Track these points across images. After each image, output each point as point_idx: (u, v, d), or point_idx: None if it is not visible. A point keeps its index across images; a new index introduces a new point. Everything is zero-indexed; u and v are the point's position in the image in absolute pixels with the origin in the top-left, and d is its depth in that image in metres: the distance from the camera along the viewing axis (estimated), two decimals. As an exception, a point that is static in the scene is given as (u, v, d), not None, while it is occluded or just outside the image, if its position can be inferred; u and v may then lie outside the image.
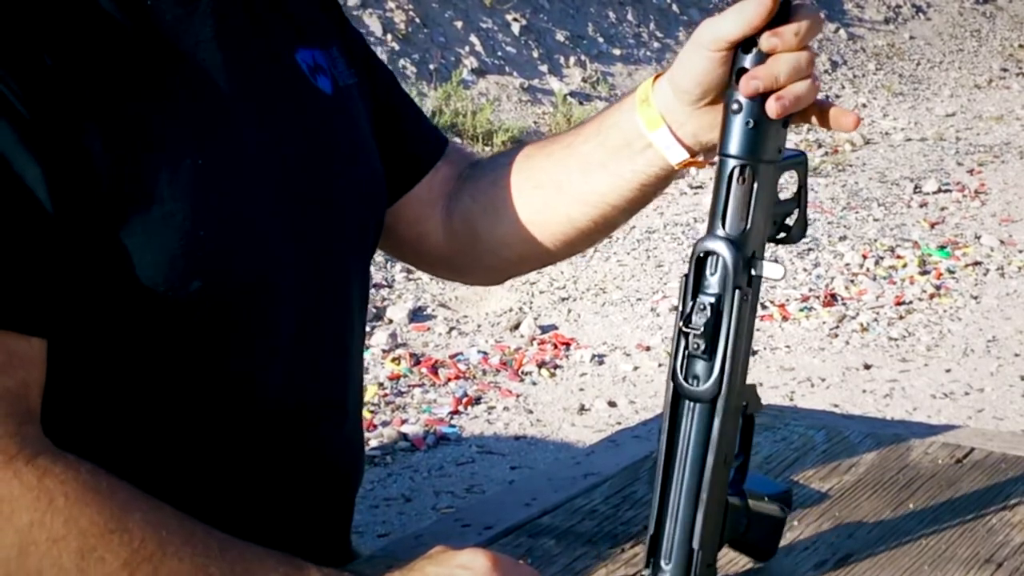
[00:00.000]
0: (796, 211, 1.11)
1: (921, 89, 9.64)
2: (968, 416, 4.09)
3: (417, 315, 4.80)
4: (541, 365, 4.43)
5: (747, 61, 1.09)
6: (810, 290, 5.24)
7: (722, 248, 1.06)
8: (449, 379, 4.28)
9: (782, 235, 1.11)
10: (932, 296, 5.22)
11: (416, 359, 4.40)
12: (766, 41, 1.08)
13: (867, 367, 4.52)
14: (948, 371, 4.50)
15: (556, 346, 4.60)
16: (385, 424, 3.95)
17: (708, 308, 1.06)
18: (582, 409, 4.13)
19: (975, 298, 5.23)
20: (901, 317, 4.99)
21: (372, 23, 7.27)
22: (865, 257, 5.63)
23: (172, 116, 1.10)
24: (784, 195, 1.11)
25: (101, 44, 1.08)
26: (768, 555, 1.21)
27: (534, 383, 4.32)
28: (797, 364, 4.55)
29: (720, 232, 1.07)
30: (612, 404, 4.18)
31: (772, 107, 1.07)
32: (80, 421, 1.10)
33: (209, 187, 1.11)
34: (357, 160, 1.32)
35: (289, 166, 1.21)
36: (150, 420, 1.13)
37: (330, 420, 1.28)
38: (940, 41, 10.78)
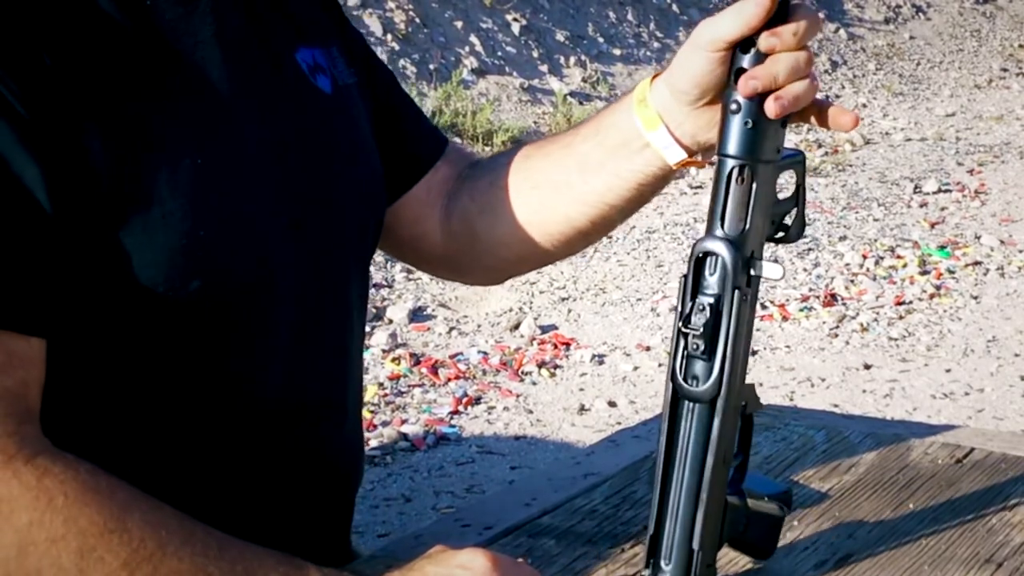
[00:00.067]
0: (794, 210, 1.11)
1: (921, 89, 9.64)
2: (968, 416, 4.09)
3: (417, 315, 4.80)
4: (541, 365, 4.43)
5: (745, 61, 1.09)
6: (810, 290, 5.24)
7: (721, 248, 1.06)
8: (449, 379, 4.28)
9: (780, 235, 1.11)
10: (932, 296, 5.22)
11: (416, 359, 4.40)
12: (764, 41, 1.08)
13: (867, 367, 4.52)
14: (948, 371, 4.50)
15: (556, 346, 4.60)
16: (385, 424, 3.95)
17: (707, 308, 1.06)
18: (582, 409, 4.14)
19: (975, 298, 5.23)
20: (901, 317, 5.00)
21: (372, 23, 7.27)
22: (865, 257, 5.63)
23: (172, 116, 1.10)
24: (782, 195, 1.11)
25: (100, 44, 1.07)
26: (767, 554, 1.21)
27: (534, 383, 4.32)
28: (797, 364, 4.55)
29: (719, 232, 1.07)
30: (612, 404, 4.18)
31: (771, 107, 1.07)
32: (80, 421, 1.10)
33: (209, 186, 1.11)
34: (357, 160, 1.32)
35: (289, 166, 1.21)
36: (150, 420, 1.13)
37: (330, 420, 1.28)
38: (940, 41, 10.78)
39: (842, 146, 7.70)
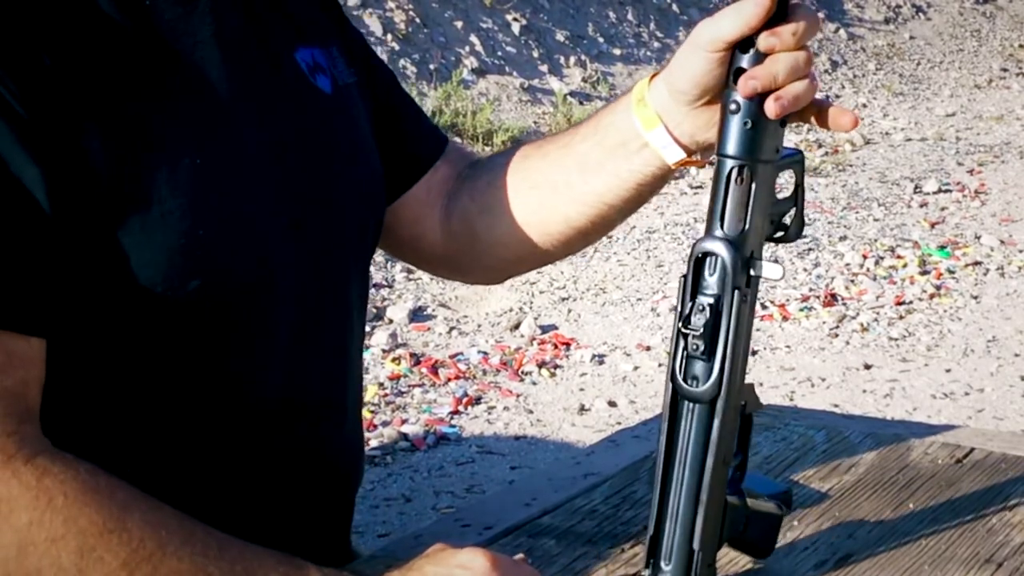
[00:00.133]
0: (793, 210, 1.11)
1: (921, 89, 9.64)
2: (968, 416, 4.09)
3: (417, 315, 4.80)
4: (541, 365, 4.43)
5: (744, 61, 1.09)
6: (810, 290, 5.24)
7: (721, 249, 1.06)
8: (449, 379, 4.28)
9: (779, 234, 1.11)
10: (932, 296, 5.22)
11: (416, 359, 4.40)
12: (764, 41, 1.08)
13: (867, 367, 4.52)
14: (948, 371, 4.50)
15: (556, 346, 4.60)
16: (385, 424, 3.95)
17: (707, 309, 1.06)
18: (582, 409, 4.13)
19: (975, 298, 5.23)
20: (901, 317, 4.99)
21: (372, 23, 7.27)
22: (865, 257, 5.63)
23: (171, 116, 1.10)
24: (781, 194, 1.11)
25: (100, 44, 1.07)
26: (766, 553, 1.21)
27: (534, 383, 4.32)
28: (797, 364, 4.55)
29: (718, 233, 1.07)
30: (612, 404, 4.18)
31: (770, 107, 1.07)
32: (79, 421, 1.10)
33: (208, 186, 1.11)
34: (357, 160, 1.32)
35: (288, 166, 1.21)
36: (149, 419, 1.13)
37: (330, 420, 1.28)
38: (940, 41, 10.78)
39: (842, 146, 7.70)
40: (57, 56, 1.04)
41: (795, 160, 1.11)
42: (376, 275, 4.98)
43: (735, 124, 1.07)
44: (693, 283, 1.07)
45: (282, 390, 1.21)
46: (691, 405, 1.08)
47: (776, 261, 1.08)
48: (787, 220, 1.11)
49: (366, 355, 4.18)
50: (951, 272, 5.52)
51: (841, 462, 1.48)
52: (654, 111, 1.22)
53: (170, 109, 1.10)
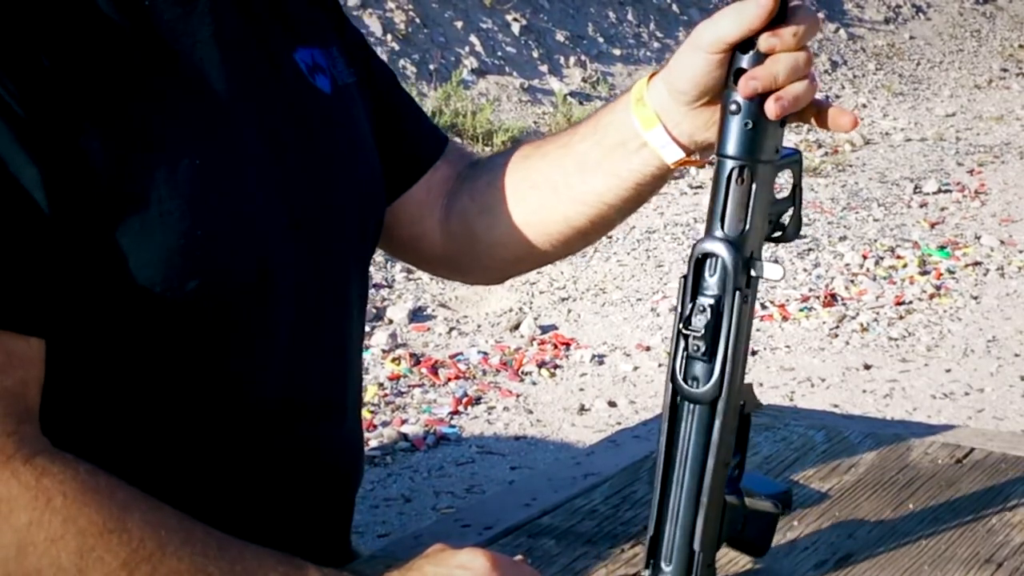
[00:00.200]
0: (791, 210, 1.11)
1: (921, 89, 9.64)
2: (968, 416, 4.09)
3: (417, 315, 4.80)
4: (541, 365, 4.43)
5: (744, 61, 1.09)
6: (810, 290, 5.24)
7: (721, 249, 1.06)
8: (449, 379, 4.28)
9: (777, 234, 1.11)
10: (932, 296, 5.22)
11: (416, 359, 4.40)
12: (765, 42, 1.08)
13: (867, 367, 4.52)
14: (948, 371, 4.50)
15: (556, 346, 4.60)
16: (385, 424, 3.95)
17: (708, 310, 1.06)
18: (582, 409, 4.13)
19: (975, 298, 5.23)
20: (901, 317, 5.00)
21: (372, 23, 7.27)
22: (865, 257, 5.63)
23: (170, 116, 1.10)
24: (779, 194, 1.11)
25: (98, 44, 1.07)
26: (763, 551, 1.20)
27: (534, 383, 4.32)
28: (797, 364, 4.55)
29: (719, 233, 1.07)
30: (612, 404, 4.18)
31: (771, 108, 1.07)
32: (79, 421, 1.10)
33: (207, 186, 1.11)
34: (356, 160, 1.32)
35: (288, 166, 1.21)
36: (149, 419, 1.13)
37: (329, 420, 1.28)
38: (940, 41, 10.78)
39: (842, 146, 7.71)
40: (56, 56, 1.04)
41: (793, 160, 1.11)
42: (376, 275, 4.98)
43: (736, 125, 1.07)
44: (693, 284, 1.07)
45: (282, 390, 1.21)
46: (691, 406, 1.08)
47: (776, 261, 1.08)
48: (785, 220, 1.11)
49: (366, 355, 4.18)
50: (951, 272, 5.52)
51: (841, 462, 1.48)
52: (653, 111, 1.22)
53: (169, 109, 1.10)
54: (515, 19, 8.11)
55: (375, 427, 3.90)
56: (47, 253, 1.03)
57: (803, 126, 1.21)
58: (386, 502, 3.47)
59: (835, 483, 1.42)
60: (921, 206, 6.56)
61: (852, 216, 6.30)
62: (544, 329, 4.76)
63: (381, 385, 4.18)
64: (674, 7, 9.35)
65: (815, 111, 1.13)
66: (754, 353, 4.56)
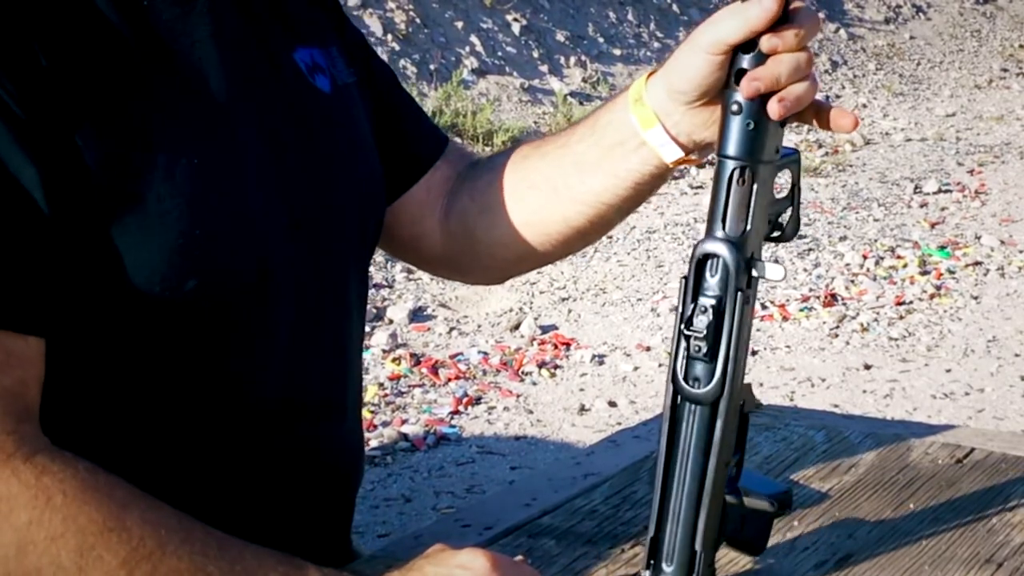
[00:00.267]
0: (789, 209, 1.11)
1: (921, 89, 9.64)
2: (968, 416, 4.09)
3: (417, 315, 4.80)
4: (541, 365, 4.43)
5: (746, 62, 1.09)
6: (810, 290, 5.24)
7: (723, 250, 1.06)
8: (449, 379, 4.28)
9: (776, 234, 1.11)
10: (932, 296, 5.22)
11: (416, 359, 4.40)
12: (767, 42, 1.08)
13: (867, 367, 4.52)
14: (948, 371, 4.50)
15: (556, 346, 4.60)
16: (385, 424, 3.95)
17: (709, 311, 1.06)
18: (582, 409, 4.14)
19: (975, 298, 5.23)
20: (901, 317, 5.00)
21: (372, 23, 7.27)
22: (865, 257, 5.63)
23: (168, 115, 1.10)
24: (778, 194, 1.11)
25: (97, 44, 1.07)
26: (760, 550, 1.20)
27: (534, 383, 4.32)
28: (797, 364, 4.55)
29: (720, 234, 1.07)
30: (612, 404, 4.18)
31: (774, 108, 1.07)
32: (79, 419, 1.10)
33: (206, 186, 1.11)
34: (356, 160, 1.32)
35: (288, 166, 1.21)
36: (149, 418, 1.13)
37: (329, 420, 1.28)
38: (940, 41, 10.78)
39: (842, 146, 7.71)
40: (54, 56, 1.04)
41: (792, 160, 1.11)
42: (376, 275, 4.98)
43: (738, 125, 1.07)
44: (694, 284, 1.07)
45: (282, 390, 1.21)
46: (692, 407, 1.08)
47: (776, 261, 1.07)
48: (783, 220, 1.11)
49: (366, 355, 4.18)
50: (951, 272, 5.52)
51: (841, 462, 1.48)
52: (651, 110, 1.22)
53: (167, 109, 1.10)
54: (515, 19, 8.11)
55: (375, 427, 3.90)
56: (46, 253, 1.03)
57: (803, 126, 1.21)
58: (386, 502, 3.47)
59: (835, 483, 1.42)
60: (921, 206, 6.56)
61: (852, 216, 6.30)
62: (544, 329, 4.76)
63: (381, 385, 4.18)
64: (674, 7, 9.35)
65: (815, 112, 1.13)
66: (754, 353, 4.56)
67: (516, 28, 8.05)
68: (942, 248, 5.81)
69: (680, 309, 1.07)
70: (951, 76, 10.05)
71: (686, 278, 1.07)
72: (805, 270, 5.45)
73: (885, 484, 1.42)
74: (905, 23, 10.84)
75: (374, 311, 4.70)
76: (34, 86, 1.02)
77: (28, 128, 1.02)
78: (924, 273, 5.47)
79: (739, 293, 1.06)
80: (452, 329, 4.70)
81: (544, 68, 7.94)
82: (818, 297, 5.15)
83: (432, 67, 7.29)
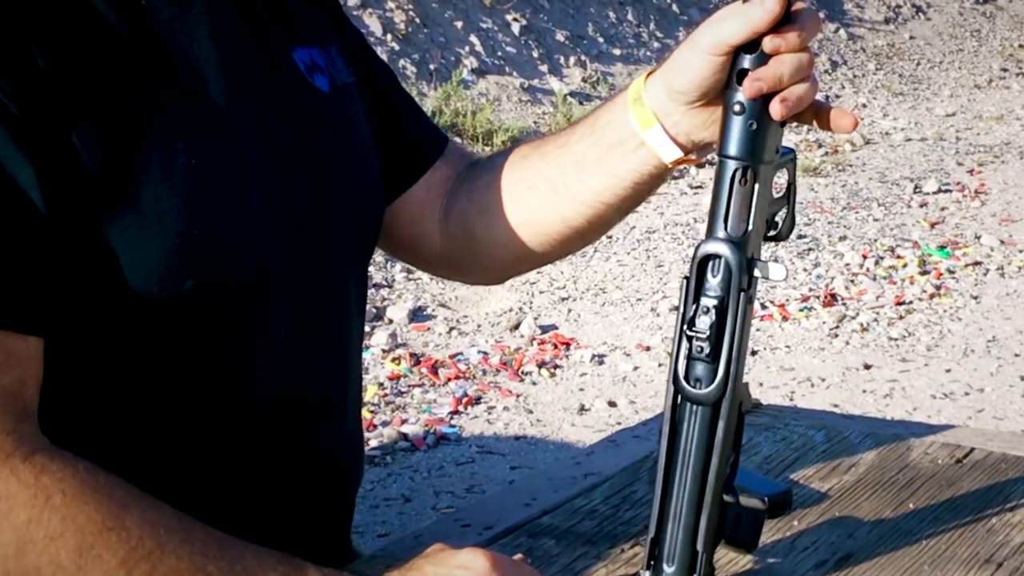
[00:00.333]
0: (785, 209, 1.11)
1: (921, 89, 9.64)
2: (968, 416, 4.09)
3: (417, 315, 4.80)
4: (541, 365, 4.43)
5: (748, 62, 1.09)
6: (810, 290, 5.24)
7: (725, 250, 1.06)
8: (449, 379, 4.28)
9: (772, 233, 1.11)
10: (932, 296, 5.22)
11: (416, 359, 4.40)
12: (769, 43, 1.08)
13: (867, 367, 4.52)
14: (948, 371, 4.50)
15: (556, 346, 4.60)
16: (385, 424, 3.95)
17: (711, 311, 1.06)
18: (582, 409, 4.14)
19: (975, 298, 5.23)
20: (901, 317, 5.00)
21: (372, 23, 7.27)
22: (865, 257, 5.63)
23: (166, 116, 1.10)
24: (775, 193, 1.11)
25: (94, 44, 1.07)
26: (753, 548, 1.20)
27: (534, 383, 4.32)
28: (797, 364, 4.55)
29: (722, 234, 1.07)
30: (612, 404, 4.18)
31: (776, 109, 1.07)
32: (79, 419, 1.10)
33: (205, 186, 1.11)
34: (356, 159, 1.32)
35: (287, 166, 1.21)
36: (149, 418, 1.13)
37: (329, 420, 1.28)
38: (940, 41, 10.78)
39: (842, 146, 7.70)
40: (51, 56, 1.04)
41: (790, 159, 1.11)
42: (376, 275, 4.98)
43: (740, 126, 1.07)
44: (696, 285, 1.07)
45: (282, 390, 1.21)
46: (694, 407, 1.08)
47: (777, 261, 1.07)
48: (779, 219, 1.11)
49: (366, 355, 4.18)
50: (951, 272, 5.52)
51: (841, 462, 1.48)
52: (651, 110, 1.22)
53: (165, 109, 1.10)
54: (515, 19, 8.11)
55: (375, 427, 3.90)
56: (44, 252, 1.03)
57: (803, 126, 1.21)
58: (386, 502, 3.47)
59: (835, 483, 1.42)
60: (921, 206, 6.56)
61: (852, 216, 6.30)
62: (544, 329, 4.76)
63: (381, 385, 4.18)
64: (674, 7, 9.35)
65: (815, 112, 1.13)
66: (754, 353, 4.56)
67: (516, 28, 8.05)
68: (942, 248, 5.81)
69: (682, 309, 1.07)
70: (951, 76, 10.05)
71: (688, 278, 1.07)
72: (805, 270, 5.45)
73: (885, 484, 1.41)
74: (905, 23, 10.84)
75: (374, 311, 4.70)
76: (31, 86, 1.02)
77: (25, 128, 1.02)
78: (924, 273, 5.47)
79: (741, 293, 1.06)
80: (452, 329, 4.70)
81: (544, 68, 7.94)
82: (818, 297, 5.15)
83: (432, 67, 7.29)
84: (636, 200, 1.30)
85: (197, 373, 1.14)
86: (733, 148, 1.07)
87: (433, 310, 4.86)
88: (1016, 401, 4.24)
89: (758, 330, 4.73)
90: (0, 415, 0.99)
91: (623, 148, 1.25)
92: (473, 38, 7.75)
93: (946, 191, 6.84)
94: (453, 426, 3.96)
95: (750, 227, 1.07)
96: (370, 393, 4.07)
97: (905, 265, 5.56)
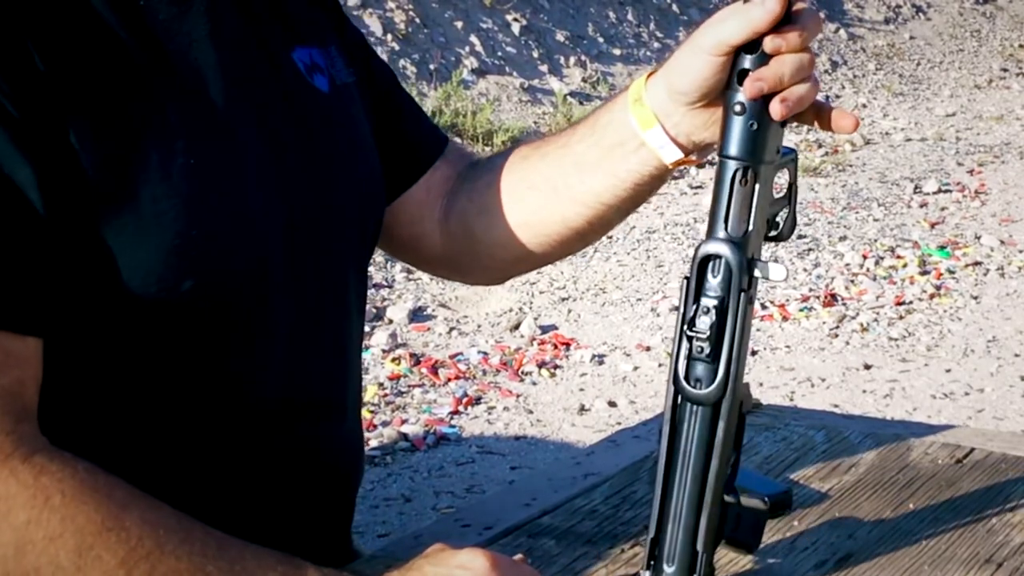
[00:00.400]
0: (786, 209, 1.11)
1: (921, 89, 9.64)
2: (968, 416, 4.09)
3: (417, 315, 4.80)
4: (541, 365, 4.43)
5: (748, 63, 1.09)
6: (810, 290, 5.24)
7: (725, 251, 1.06)
8: (449, 379, 4.28)
9: (773, 233, 1.11)
10: (932, 296, 5.22)
11: (416, 359, 4.40)
12: (771, 43, 1.08)
13: (867, 367, 4.52)
14: (948, 371, 4.50)
15: (556, 346, 4.60)
16: (385, 424, 3.95)
17: (712, 311, 1.06)
18: (582, 409, 4.14)
19: (975, 298, 5.23)
20: (901, 317, 5.00)
21: (372, 23, 7.27)
22: (865, 257, 5.63)
23: (164, 116, 1.10)
24: (776, 193, 1.11)
25: (93, 44, 1.07)
26: (754, 548, 1.20)
27: (534, 383, 4.32)
28: (797, 364, 4.55)
29: (722, 234, 1.07)
30: (612, 404, 4.18)
31: (776, 109, 1.07)
32: (79, 419, 1.10)
33: (204, 186, 1.11)
34: (356, 159, 1.32)
35: (287, 166, 1.21)
36: (149, 419, 1.13)
37: (329, 420, 1.28)
38: (940, 41, 10.78)
39: (842, 146, 7.70)
40: (50, 56, 1.04)
41: (790, 159, 1.11)
42: (376, 275, 4.98)
43: (740, 126, 1.07)
44: (697, 285, 1.07)
45: (282, 390, 1.21)
46: (694, 408, 1.08)
47: (777, 261, 1.07)
48: (779, 219, 1.11)
49: (366, 355, 4.18)
50: (951, 272, 5.52)
51: (841, 462, 1.48)
52: (651, 111, 1.22)
53: (164, 109, 1.10)
54: (515, 19, 8.11)
55: (375, 427, 3.90)
56: (43, 253, 1.03)
57: (803, 126, 1.21)
58: (386, 502, 3.47)
59: (835, 483, 1.42)
60: (921, 206, 6.56)
61: (852, 216, 6.30)
62: (544, 329, 4.76)
63: (381, 385, 4.18)
64: (674, 7, 9.35)
65: (816, 112, 1.13)
66: (754, 353, 4.56)
67: (516, 28, 8.05)
68: (942, 248, 5.81)
69: (682, 310, 1.07)
70: (951, 76, 10.05)
71: (688, 279, 1.07)
72: (805, 270, 5.45)
73: (885, 484, 1.41)
74: (905, 23, 10.84)
75: (374, 311, 4.70)
76: (29, 86, 1.02)
77: (23, 128, 1.01)
78: (924, 273, 5.47)
79: (742, 294, 1.06)
80: (452, 329, 4.70)
81: (544, 68, 7.94)
82: (818, 297, 5.15)
83: (432, 67, 7.29)
84: (636, 201, 1.30)
85: (197, 373, 1.14)
86: (734, 148, 1.07)
87: (433, 310, 4.86)
88: (1016, 401, 4.24)
89: (758, 330, 4.73)
90: (-1, 416, 0.99)
91: (623, 149, 1.25)
92: (473, 38, 7.75)
93: (946, 191, 6.84)
94: (453, 426, 3.96)
95: (750, 227, 1.07)
96: (370, 393, 4.07)
97: (905, 265, 5.56)
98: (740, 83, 1.08)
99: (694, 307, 1.06)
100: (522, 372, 4.38)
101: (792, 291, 5.19)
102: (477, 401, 4.15)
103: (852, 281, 5.35)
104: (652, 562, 1.10)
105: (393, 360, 4.36)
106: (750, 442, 1.50)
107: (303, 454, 1.24)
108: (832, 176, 7.04)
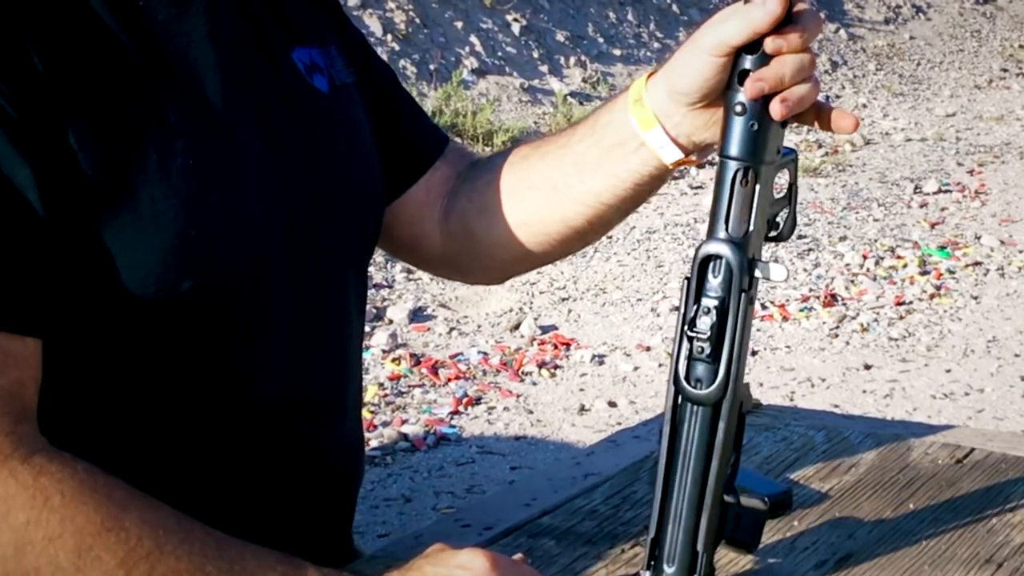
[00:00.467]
0: (786, 209, 1.11)
1: (921, 89, 9.64)
2: (968, 416, 4.09)
3: (417, 315, 4.80)
4: (541, 365, 4.43)
5: (749, 63, 1.09)
6: (810, 290, 5.24)
7: (726, 251, 1.06)
8: (449, 379, 4.28)
9: (773, 233, 1.11)
10: (932, 296, 5.22)
11: (416, 359, 4.40)
12: (772, 43, 1.08)
13: (867, 367, 4.52)
14: (948, 371, 4.50)
15: (556, 346, 4.60)
16: (385, 424, 3.95)
17: (712, 312, 1.06)
18: (582, 409, 4.14)
19: (975, 298, 5.23)
20: (901, 317, 5.00)
21: (372, 23, 7.27)
22: (865, 257, 5.63)
23: (163, 117, 1.10)
24: (776, 193, 1.11)
25: (92, 45, 1.07)
26: (754, 548, 1.20)
27: (534, 383, 4.32)
28: (797, 364, 4.55)
29: (722, 235, 1.07)
30: (612, 404, 4.18)
31: (777, 109, 1.07)
32: (78, 420, 1.10)
33: (203, 186, 1.11)
34: (355, 159, 1.32)
35: (287, 166, 1.21)
36: (149, 419, 1.13)
37: (329, 420, 1.28)
38: (940, 41, 10.78)
39: (842, 146, 7.70)
40: (49, 57, 1.04)
41: (791, 159, 1.11)
42: (376, 275, 4.98)
43: (741, 126, 1.07)
44: (697, 286, 1.07)
45: (282, 390, 1.21)
46: (695, 408, 1.08)
47: (777, 261, 1.07)
48: (780, 219, 1.11)
49: (366, 355, 4.18)
50: (951, 272, 5.52)
51: (841, 462, 1.48)
52: (651, 111, 1.22)
53: (164, 109, 1.10)
54: (515, 19, 8.11)
55: (375, 427, 3.90)
56: (42, 253, 1.03)
57: (803, 126, 1.21)
58: (386, 502, 3.47)
59: (835, 483, 1.42)
60: (921, 206, 6.56)
61: (852, 216, 6.30)
62: (544, 329, 4.76)
63: (381, 385, 4.18)
64: (674, 7, 9.35)
65: (816, 112, 1.13)
66: (754, 353, 4.56)
67: (516, 28, 8.05)
68: (942, 248, 5.81)
69: (682, 310, 1.07)
70: (951, 76, 10.05)
71: (688, 279, 1.07)
72: (805, 270, 5.45)
73: (885, 484, 1.42)
74: (905, 23, 10.84)
75: (374, 311, 4.70)
76: (28, 87, 1.02)
77: (22, 129, 1.01)
78: (924, 273, 5.47)
79: (742, 294, 1.06)
80: (452, 329, 4.70)
81: (544, 68, 7.94)
82: (818, 297, 5.15)
83: (432, 67, 7.29)
84: (636, 201, 1.30)
85: (197, 373, 1.14)
86: (734, 149, 1.07)
87: (433, 310, 4.86)
88: (1016, 401, 4.24)
89: (758, 330, 4.73)
90: (-1, 416, 0.99)
91: (624, 149, 1.25)
92: (473, 38, 7.76)
93: (946, 191, 6.84)
94: (453, 426, 3.96)
95: (751, 228, 1.07)
96: (370, 393, 4.07)
97: (905, 265, 5.56)
98: (741, 83, 1.08)
99: (695, 307, 1.06)
100: (522, 372, 4.38)
101: (792, 291, 5.19)
102: (477, 401, 4.15)
103: (852, 281, 5.35)
104: (652, 562, 1.10)
105: (393, 360, 4.36)
106: (750, 442, 1.50)
107: (303, 454, 1.24)
108: (832, 176, 7.04)
